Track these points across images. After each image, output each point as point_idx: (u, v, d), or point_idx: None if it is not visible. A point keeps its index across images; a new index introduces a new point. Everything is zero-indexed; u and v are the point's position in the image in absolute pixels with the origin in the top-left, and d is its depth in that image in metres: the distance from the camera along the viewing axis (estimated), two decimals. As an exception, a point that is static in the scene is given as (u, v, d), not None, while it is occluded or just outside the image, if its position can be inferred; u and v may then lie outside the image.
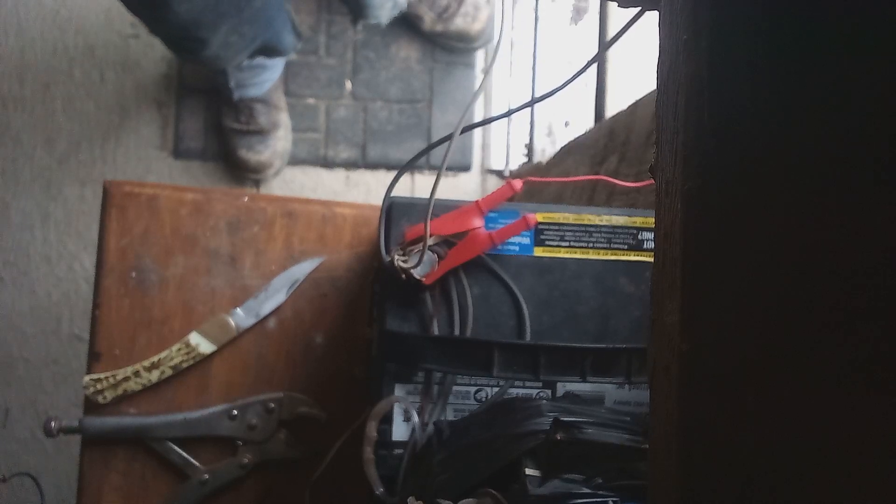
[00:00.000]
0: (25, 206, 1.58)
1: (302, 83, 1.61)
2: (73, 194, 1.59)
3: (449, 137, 0.62)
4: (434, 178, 1.70)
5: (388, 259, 0.63)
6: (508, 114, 0.62)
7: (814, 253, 0.28)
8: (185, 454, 0.79)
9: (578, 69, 0.54)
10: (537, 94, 0.61)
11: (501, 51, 1.64)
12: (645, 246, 0.67)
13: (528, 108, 1.53)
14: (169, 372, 0.80)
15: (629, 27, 0.46)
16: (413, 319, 0.64)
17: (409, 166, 0.67)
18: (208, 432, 0.79)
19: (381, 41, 1.61)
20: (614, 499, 0.51)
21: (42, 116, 1.60)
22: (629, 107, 0.97)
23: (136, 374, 0.79)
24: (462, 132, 0.62)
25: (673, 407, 0.30)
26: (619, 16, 1.30)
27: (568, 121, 1.47)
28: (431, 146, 0.67)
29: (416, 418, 0.62)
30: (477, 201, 0.64)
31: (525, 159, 1.58)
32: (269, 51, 1.37)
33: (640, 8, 0.40)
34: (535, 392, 0.64)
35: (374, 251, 0.84)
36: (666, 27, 0.33)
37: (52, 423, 0.77)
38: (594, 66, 1.32)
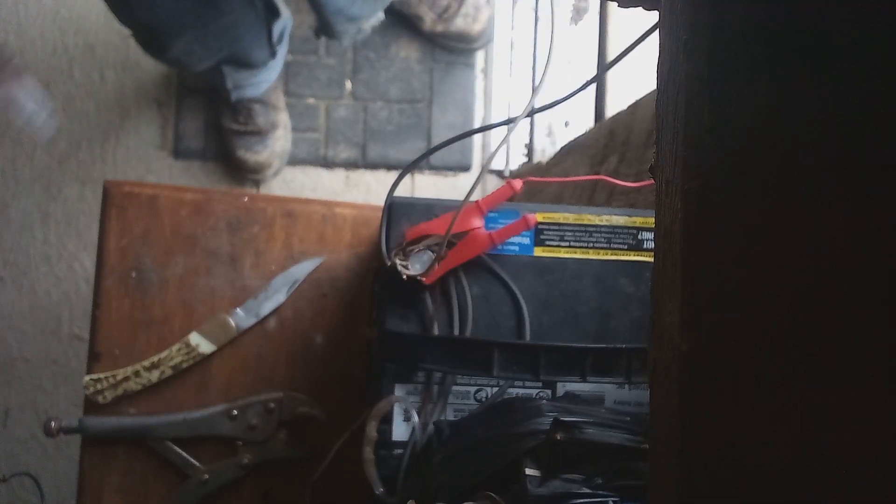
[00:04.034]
0: (25, 206, 1.58)
1: (302, 83, 1.61)
2: (73, 194, 1.59)
3: (454, 139, 0.62)
4: (434, 178, 1.71)
5: (389, 259, 0.63)
6: (509, 121, 0.63)
7: (814, 253, 0.28)
8: (185, 454, 0.79)
9: (579, 86, 0.55)
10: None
11: (498, 52, 1.64)
12: (645, 246, 0.67)
13: (528, 108, 1.53)
14: (169, 372, 0.80)
15: (631, 49, 0.46)
16: (413, 319, 0.64)
17: (412, 168, 0.67)
18: (208, 432, 0.79)
19: (381, 41, 1.61)
20: (614, 499, 0.51)
21: (42, 116, 1.60)
22: (629, 107, 0.97)
23: (136, 374, 0.79)
24: (462, 136, 0.62)
25: (673, 407, 0.30)
26: (619, 16, 1.30)
27: (568, 121, 1.47)
28: (435, 148, 0.67)
29: (416, 418, 0.62)
30: (477, 201, 0.64)
31: (525, 159, 1.58)
32: (237, 62, 1.38)
33: (639, 8, 0.40)
34: (534, 392, 0.64)
35: (374, 251, 0.84)
36: (666, 27, 0.33)
37: (52, 423, 0.77)
38: (594, 66, 1.33)
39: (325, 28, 1.33)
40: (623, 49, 0.50)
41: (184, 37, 1.18)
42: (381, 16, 1.40)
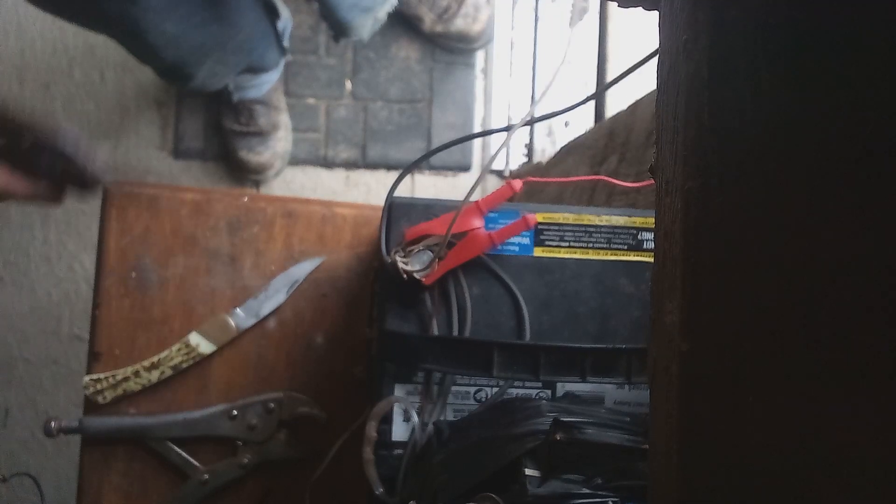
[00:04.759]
0: (25, 206, 1.58)
1: (302, 83, 1.61)
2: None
3: (454, 142, 0.62)
4: (434, 178, 1.70)
5: (390, 259, 0.63)
6: (508, 128, 0.63)
7: (814, 252, 0.28)
8: (185, 454, 0.79)
9: (579, 101, 0.55)
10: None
11: (499, 52, 1.64)
12: (645, 246, 0.67)
13: (528, 109, 1.53)
14: (169, 372, 0.80)
15: (633, 70, 0.46)
16: (413, 319, 0.64)
17: (412, 168, 0.67)
18: (208, 432, 0.79)
19: (381, 41, 1.61)
20: (614, 499, 0.51)
21: (42, 116, 1.60)
22: (629, 107, 0.97)
23: (136, 374, 0.79)
24: (463, 140, 0.62)
25: (673, 407, 0.30)
26: (619, 16, 1.30)
27: (568, 121, 1.47)
28: (435, 150, 0.67)
29: (415, 418, 0.62)
30: (477, 201, 0.64)
31: (525, 159, 1.58)
32: (254, 70, 1.38)
33: (639, 8, 0.40)
34: (534, 392, 0.64)
35: (374, 251, 0.84)
36: (666, 27, 0.33)
37: (52, 423, 0.77)
38: (594, 65, 1.33)
39: (342, 28, 1.33)
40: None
41: (207, 63, 1.18)
42: (393, 1, 1.39)
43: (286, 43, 1.41)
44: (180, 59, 1.14)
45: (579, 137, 1.16)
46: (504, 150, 1.62)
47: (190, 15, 1.06)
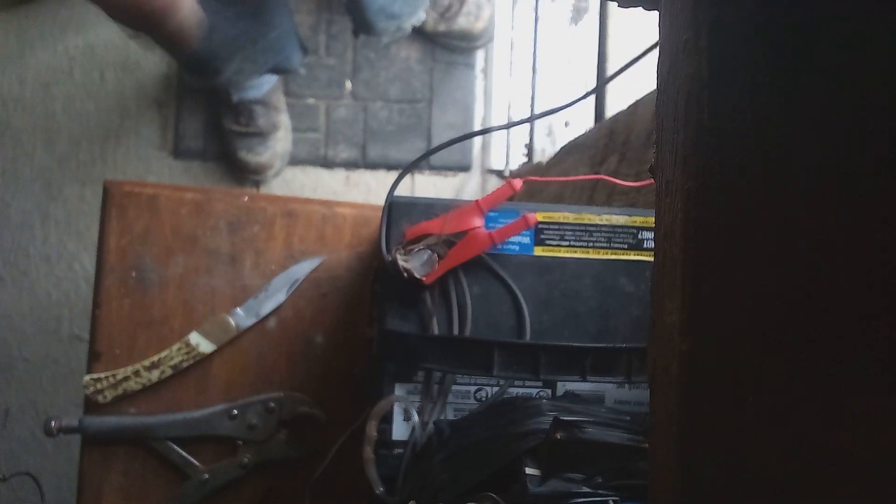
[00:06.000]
0: (25, 206, 1.58)
1: (302, 83, 1.61)
2: (73, 194, 1.59)
3: (454, 140, 0.62)
4: (434, 178, 1.70)
5: (390, 258, 0.63)
6: (508, 126, 0.63)
7: (814, 252, 0.28)
8: (185, 454, 0.79)
9: (580, 96, 0.55)
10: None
11: (499, 52, 1.64)
12: (645, 246, 0.67)
13: (528, 109, 1.53)
14: (169, 372, 0.80)
15: (632, 64, 0.46)
16: (413, 319, 0.64)
17: (412, 167, 0.67)
18: (208, 432, 0.79)
19: (382, 41, 1.61)
20: (614, 498, 0.51)
21: (42, 116, 1.60)
22: (629, 107, 0.97)
23: (136, 373, 0.79)
24: (463, 138, 0.62)
25: (673, 407, 0.30)
26: (619, 16, 1.30)
27: (568, 121, 1.47)
28: (435, 149, 0.67)
29: (416, 418, 0.62)
30: (477, 201, 0.64)
31: (525, 159, 1.58)
32: (278, 70, 1.39)
33: (639, 8, 0.40)
34: (535, 391, 0.64)
35: (374, 251, 0.84)
36: (666, 27, 0.33)
37: (52, 423, 0.77)
38: (594, 66, 1.33)
39: (364, 26, 1.34)
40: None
41: (236, 59, 1.18)
42: (421, 16, 1.40)
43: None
44: (211, 52, 1.14)
45: (579, 137, 1.16)
46: (504, 148, 1.62)
47: (225, 6, 1.07)
